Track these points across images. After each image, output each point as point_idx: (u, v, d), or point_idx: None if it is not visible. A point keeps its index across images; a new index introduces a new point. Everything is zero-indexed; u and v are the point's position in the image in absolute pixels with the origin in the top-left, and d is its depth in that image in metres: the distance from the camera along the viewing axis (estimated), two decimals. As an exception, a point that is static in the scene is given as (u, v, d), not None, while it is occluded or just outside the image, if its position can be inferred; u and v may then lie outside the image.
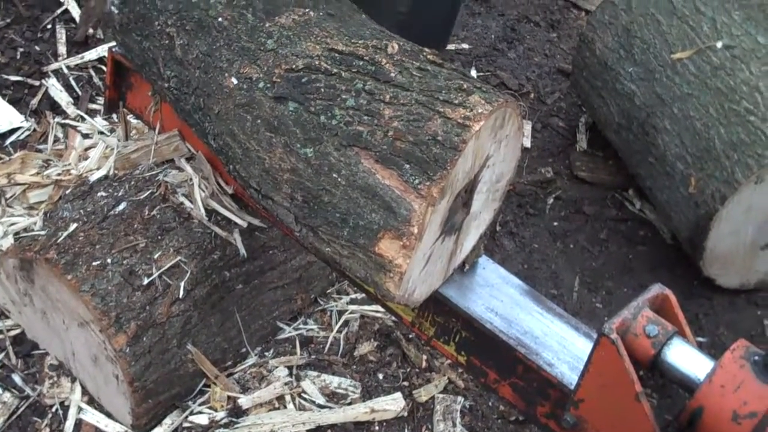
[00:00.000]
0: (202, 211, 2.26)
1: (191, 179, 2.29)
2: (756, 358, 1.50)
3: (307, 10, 1.81)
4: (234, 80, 1.75)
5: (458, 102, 1.57)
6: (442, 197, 1.55)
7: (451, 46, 3.73)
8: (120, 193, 2.32)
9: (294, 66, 1.69)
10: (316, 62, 1.68)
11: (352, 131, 1.59)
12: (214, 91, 1.78)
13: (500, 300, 1.89)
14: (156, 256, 2.21)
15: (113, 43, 2.31)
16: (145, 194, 2.30)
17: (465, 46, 3.76)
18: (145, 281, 2.17)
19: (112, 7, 2.06)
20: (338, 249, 1.64)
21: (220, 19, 1.83)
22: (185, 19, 1.88)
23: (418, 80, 1.61)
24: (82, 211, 2.30)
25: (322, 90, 1.65)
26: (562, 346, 1.82)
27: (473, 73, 3.61)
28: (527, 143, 3.33)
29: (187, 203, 2.28)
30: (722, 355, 1.52)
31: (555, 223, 3.10)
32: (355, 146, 1.59)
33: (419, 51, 1.70)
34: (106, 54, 3.20)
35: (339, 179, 1.59)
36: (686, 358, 1.57)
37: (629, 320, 1.59)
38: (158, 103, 2.26)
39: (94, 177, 2.45)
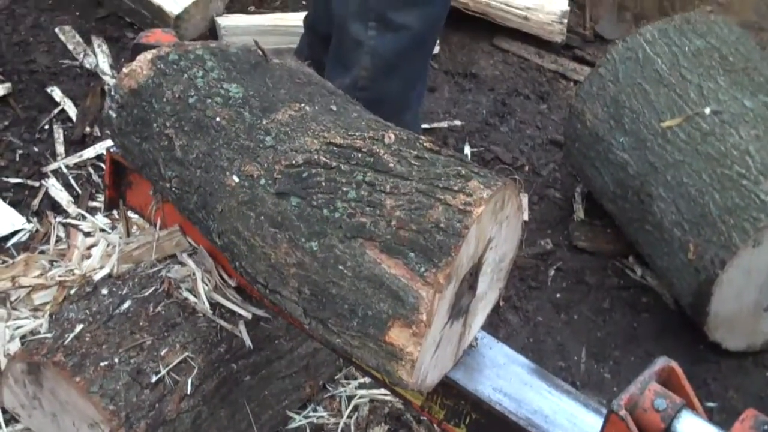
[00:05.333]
0: (207, 304, 2.26)
1: (194, 273, 2.30)
2: (765, 427, 1.51)
3: (302, 105, 1.85)
4: (235, 178, 1.78)
5: (458, 188, 1.59)
6: (448, 283, 1.57)
7: (443, 124, 3.77)
8: (124, 291, 2.33)
9: (294, 161, 1.72)
10: (315, 156, 1.71)
11: (355, 223, 1.62)
12: (216, 189, 1.81)
13: (508, 380, 1.89)
14: (163, 353, 2.21)
15: (111, 143, 2.34)
16: (149, 291, 2.31)
17: (457, 122, 3.80)
18: (153, 379, 2.17)
19: (110, 111, 2.09)
20: (348, 340, 1.65)
21: (218, 119, 1.86)
22: (183, 120, 1.91)
23: (416, 169, 1.64)
24: (87, 311, 2.30)
25: (323, 184, 1.67)
26: (572, 424, 1.82)
27: (467, 149, 3.65)
28: (525, 216, 3.35)
29: (191, 298, 2.28)
30: (732, 427, 1.52)
31: (558, 295, 3.11)
32: (359, 237, 1.61)
33: (415, 139, 1.73)
34: (104, 151, 3.25)
35: (345, 271, 1.61)
36: (696, 430, 1.58)
37: (637, 395, 1.60)
38: (159, 202, 2.28)
39: (98, 276, 2.46)
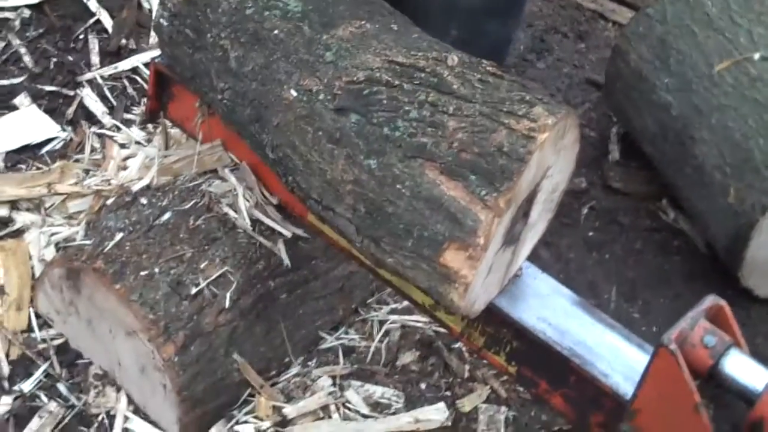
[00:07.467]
0: (247, 221, 2.27)
1: (235, 189, 2.30)
2: (817, 368, 1.52)
3: (363, 22, 1.82)
4: (293, 92, 1.76)
5: (522, 113, 1.58)
6: (507, 208, 1.56)
7: (480, 58, 3.74)
8: (164, 203, 2.33)
9: (355, 78, 1.70)
10: (377, 74, 1.69)
11: (416, 143, 1.60)
12: (273, 103, 1.79)
13: (552, 310, 1.90)
14: (202, 266, 2.22)
15: (148, 56, 2.30)
16: (190, 204, 2.31)
17: (495, 56, 3.77)
18: (193, 291, 2.18)
19: (162, 20, 2.07)
20: (401, 260, 1.64)
21: (276, 32, 1.84)
22: (239, 31, 1.89)
23: (480, 92, 1.62)
24: (126, 220, 2.31)
25: (385, 102, 1.66)
26: (615, 356, 1.83)
27: (504, 83, 3.62)
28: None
29: (232, 213, 2.29)
30: (782, 367, 1.53)
31: (590, 234, 3.10)
32: (419, 157, 1.60)
33: (478, 63, 1.71)
34: (139, 65, 3.24)
35: (403, 190, 1.60)
36: (744, 368, 1.59)
37: (687, 331, 1.60)
38: (205, 115, 2.27)
39: (137, 187, 2.46)
